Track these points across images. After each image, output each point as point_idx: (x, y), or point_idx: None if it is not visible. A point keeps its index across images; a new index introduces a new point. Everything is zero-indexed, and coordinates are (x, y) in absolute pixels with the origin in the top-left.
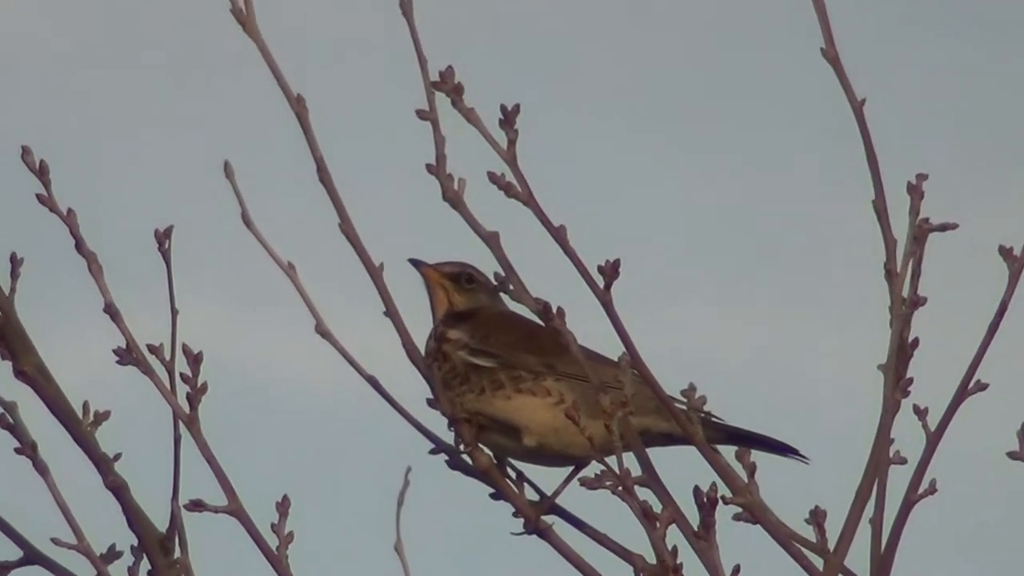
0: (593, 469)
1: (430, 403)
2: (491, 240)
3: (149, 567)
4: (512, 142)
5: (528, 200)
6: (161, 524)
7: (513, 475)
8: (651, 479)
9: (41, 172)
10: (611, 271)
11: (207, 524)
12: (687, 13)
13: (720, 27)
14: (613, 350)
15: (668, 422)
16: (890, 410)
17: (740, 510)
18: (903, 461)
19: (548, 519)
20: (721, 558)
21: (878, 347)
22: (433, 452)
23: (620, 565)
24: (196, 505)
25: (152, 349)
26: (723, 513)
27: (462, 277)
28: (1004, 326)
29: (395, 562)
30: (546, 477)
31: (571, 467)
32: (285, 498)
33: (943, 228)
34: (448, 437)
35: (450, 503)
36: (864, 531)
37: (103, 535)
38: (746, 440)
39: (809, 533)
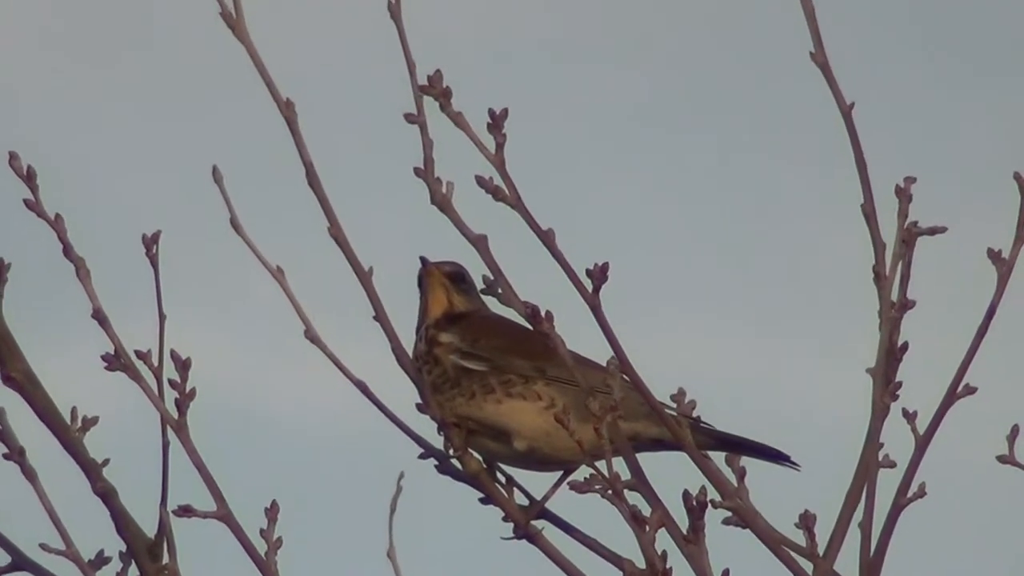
0: (582, 473)
1: (419, 408)
2: (479, 243)
3: (137, 573)
4: (500, 146)
5: (516, 203)
6: (149, 530)
7: (503, 480)
8: (640, 483)
9: (29, 177)
10: (599, 275)
11: (196, 530)
12: (676, 17)
13: (709, 31)
14: (601, 356)
15: (658, 427)
16: (879, 414)
17: (729, 514)
18: (892, 465)
19: (538, 524)
20: (710, 562)
21: (867, 351)
22: (422, 457)
23: (610, 569)
24: (185, 511)
25: (140, 355)
26: (712, 517)
27: (459, 276)
28: (993, 330)
29: (388, 569)
30: (535, 482)
31: (560, 471)
32: (274, 503)
33: (932, 231)
34: (438, 442)
35: (440, 508)
36: (853, 535)
37: (91, 541)
38: (737, 446)
39: (799, 537)
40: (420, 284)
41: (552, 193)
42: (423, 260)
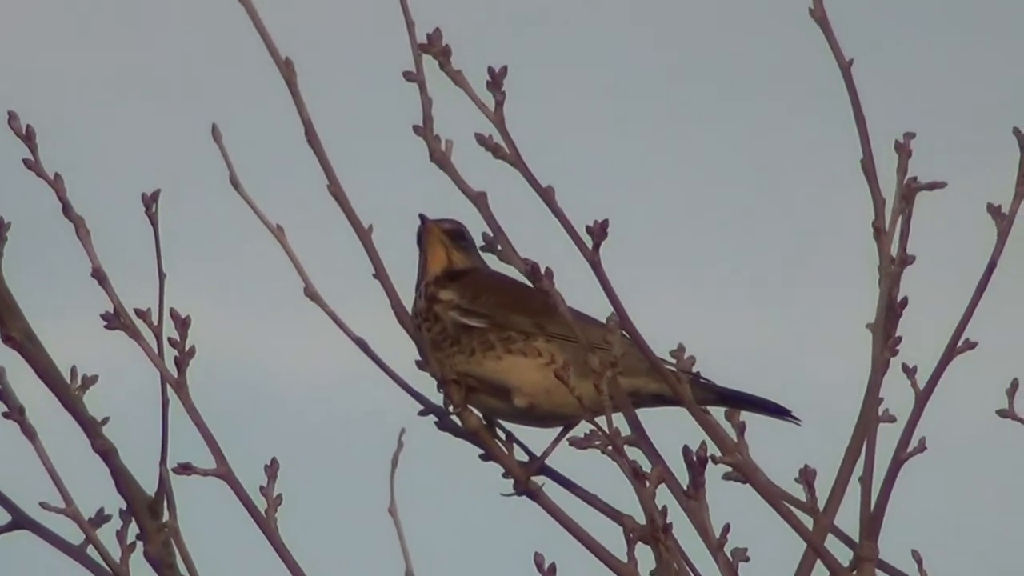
0: (582, 429)
1: (419, 365)
2: (479, 200)
3: (138, 530)
4: (499, 104)
5: (516, 161)
6: (150, 488)
7: (502, 436)
8: (641, 439)
9: (27, 137)
10: (599, 232)
11: (196, 487)
12: None
13: None
14: (601, 313)
15: (658, 383)
16: (879, 369)
17: (730, 469)
18: (892, 419)
19: (538, 480)
20: (711, 517)
21: (867, 306)
22: (422, 414)
23: (610, 525)
24: (185, 468)
25: (139, 313)
26: (713, 473)
27: (458, 234)
28: (993, 284)
29: (389, 525)
30: (535, 438)
31: (560, 427)
32: (273, 460)
33: (931, 187)
34: (437, 399)
35: (440, 465)
36: (854, 490)
37: (91, 499)
38: (737, 401)
39: (799, 492)
40: (419, 241)
41: (551, 151)
42: (422, 217)
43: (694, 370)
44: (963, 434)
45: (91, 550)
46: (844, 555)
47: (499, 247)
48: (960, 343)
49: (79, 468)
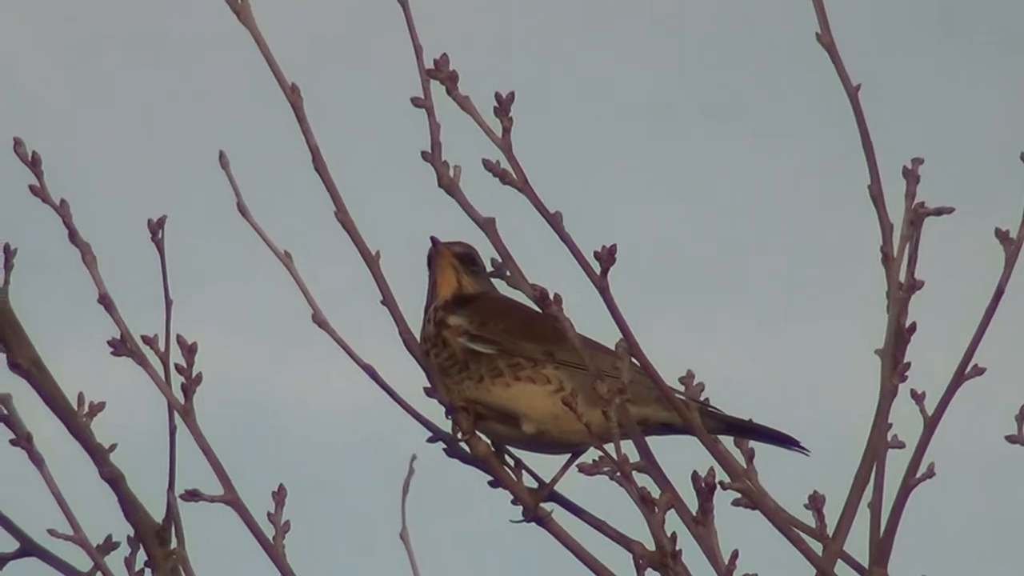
0: (591, 456)
1: (427, 392)
2: (487, 226)
3: (146, 557)
4: (507, 130)
5: (523, 187)
6: (157, 514)
7: (511, 462)
8: (649, 465)
9: (33, 163)
10: (607, 257)
11: (204, 514)
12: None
13: (715, 13)
14: (610, 339)
15: (667, 411)
16: (888, 395)
17: (739, 495)
18: (901, 445)
19: (547, 506)
20: (720, 543)
21: (875, 332)
22: (431, 440)
23: (619, 551)
24: (192, 495)
25: (146, 340)
26: (722, 499)
27: (469, 258)
28: (1001, 310)
29: (400, 550)
30: (544, 464)
31: (569, 454)
32: (281, 487)
33: (939, 212)
34: (446, 425)
35: (449, 492)
36: (863, 516)
37: (99, 526)
38: (745, 431)
39: (808, 518)
40: (429, 264)
41: (559, 176)
42: (433, 240)
43: (703, 398)
44: (972, 460)
45: None
46: None
47: (508, 273)
48: (969, 369)
49: (87, 495)
